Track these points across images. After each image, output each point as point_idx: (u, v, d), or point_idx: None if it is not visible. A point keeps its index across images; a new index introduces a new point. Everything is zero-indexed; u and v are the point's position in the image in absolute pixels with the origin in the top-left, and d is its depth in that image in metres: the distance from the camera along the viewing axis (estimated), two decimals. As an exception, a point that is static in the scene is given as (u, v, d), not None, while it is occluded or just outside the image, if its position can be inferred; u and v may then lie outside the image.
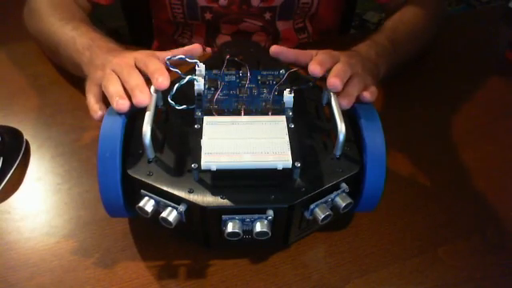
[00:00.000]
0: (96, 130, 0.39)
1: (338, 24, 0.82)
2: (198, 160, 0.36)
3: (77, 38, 0.52)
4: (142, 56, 0.44)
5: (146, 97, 0.40)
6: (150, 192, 0.38)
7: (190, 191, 0.37)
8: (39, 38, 0.60)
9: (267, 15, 0.70)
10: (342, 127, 0.38)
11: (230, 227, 0.36)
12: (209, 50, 0.75)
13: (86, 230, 0.45)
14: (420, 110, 0.61)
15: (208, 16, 0.70)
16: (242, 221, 0.37)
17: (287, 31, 0.74)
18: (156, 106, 0.41)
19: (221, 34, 0.73)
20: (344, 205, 0.39)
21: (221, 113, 0.41)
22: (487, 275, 0.43)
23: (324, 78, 0.43)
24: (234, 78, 0.45)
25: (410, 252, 0.45)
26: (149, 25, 0.84)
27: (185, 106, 0.42)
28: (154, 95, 0.41)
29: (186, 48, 0.47)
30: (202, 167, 0.36)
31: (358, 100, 0.44)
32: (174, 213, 0.37)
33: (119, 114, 0.40)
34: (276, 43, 0.75)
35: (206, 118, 0.40)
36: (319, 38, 0.79)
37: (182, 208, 0.37)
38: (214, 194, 0.37)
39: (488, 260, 0.44)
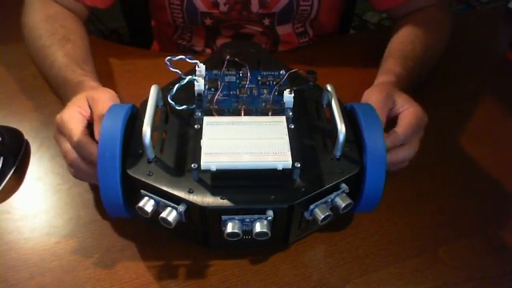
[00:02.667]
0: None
1: (338, 26, 0.82)
2: (197, 160, 0.36)
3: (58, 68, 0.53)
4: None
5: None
6: (150, 192, 0.38)
7: (190, 191, 0.37)
8: (31, 54, 0.60)
9: (266, 21, 0.70)
10: (342, 127, 0.38)
11: (230, 227, 0.36)
12: (208, 51, 0.76)
13: (86, 230, 0.45)
14: (420, 110, 0.61)
15: (208, 22, 0.70)
16: (242, 221, 0.37)
17: (287, 35, 0.74)
18: (156, 107, 0.41)
19: (221, 36, 0.73)
20: (344, 205, 0.39)
21: (221, 113, 0.41)
22: (487, 275, 0.43)
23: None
24: (234, 78, 0.45)
25: (410, 252, 0.45)
26: (148, 25, 0.84)
27: (185, 107, 0.42)
28: (155, 95, 0.41)
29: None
30: (202, 167, 0.36)
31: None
32: (174, 213, 0.37)
33: (119, 114, 0.40)
34: (276, 46, 0.75)
35: (206, 119, 0.40)
36: (319, 39, 0.78)
37: (181, 208, 0.36)
38: (213, 194, 0.37)
39: (488, 260, 0.44)
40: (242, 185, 0.37)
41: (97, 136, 0.41)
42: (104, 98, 0.43)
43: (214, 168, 0.36)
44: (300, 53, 0.73)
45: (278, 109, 0.42)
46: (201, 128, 0.39)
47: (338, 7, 0.77)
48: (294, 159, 0.36)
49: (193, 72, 0.44)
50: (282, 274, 0.42)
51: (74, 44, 0.56)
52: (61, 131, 0.43)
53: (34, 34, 0.58)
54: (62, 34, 0.57)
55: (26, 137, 0.54)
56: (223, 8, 0.67)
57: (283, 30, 0.73)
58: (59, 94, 0.54)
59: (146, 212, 0.37)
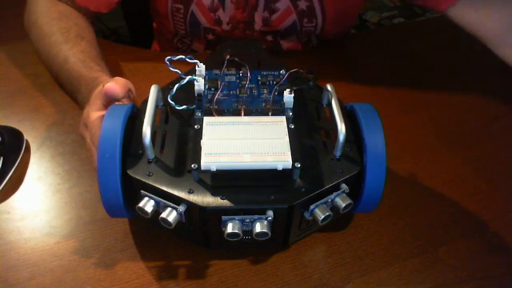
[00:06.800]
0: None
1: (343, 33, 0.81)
2: (197, 160, 0.36)
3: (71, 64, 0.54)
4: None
5: None
6: (150, 192, 0.38)
7: (190, 192, 0.37)
8: (39, 51, 0.60)
9: (269, 37, 0.70)
10: (342, 128, 0.38)
11: (230, 228, 0.36)
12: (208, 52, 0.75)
13: (86, 230, 0.45)
14: (420, 110, 0.61)
15: (210, 37, 0.70)
16: (242, 221, 0.37)
17: (291, 46, 0.73)
18: (156, 107, 0.41)
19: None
20: (344, 205, 0.39)
21: (221, 113, 0.41)
22: (487, 275, 0.43)
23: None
24: (234, 78, 0.45)
25: (410, 252, 0.45)
26: (148, 26, 0.84)
27: (185, 107, 0.42)
28: (155, 95, 0.41)
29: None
30: (202, 168, 0.36)
31: None
32: (174, 213, 0.37)
33: (119, 114, 0.40)
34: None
35: (206, 119, 0.40)
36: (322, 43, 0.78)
37: (181, 208, 0.36)
38: (213, 194, 0.37)
39: (488, 260, 0.44)
40: (242, 185, 0.37)
41: None
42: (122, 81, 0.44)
43: (214, 168, 0.36)
44: (300, 53, 0.73)
45: (278, 109, 0.42)
46: (201, 128, 0.39)
47: (344, 21, 0.76)
48: (294, 159, 0.36)
49: (193, 72, 0.44)
50: (282, 274, 0.42)
51: (88, 42, 0.57)
52: (86, 125, 0.44)
53: (44, 30, 0.58)
54: (77, 32, 0.57)
55: (26, 137, 0.54)
56: (226, 27, 0.67)
57: (287, 44, 0.73)
58: (71, 88, 0.55)
59: (146, 212, 0.37)
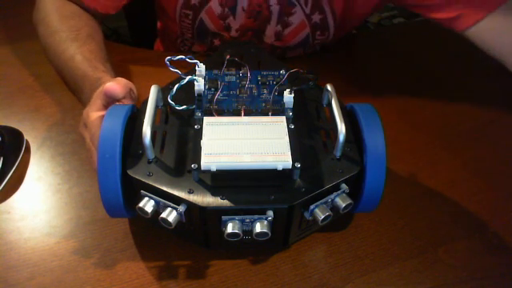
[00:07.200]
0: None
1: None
2: (197, 160, 0.36)
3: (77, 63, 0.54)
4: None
5: None
6: (150, 192, 0.38)
7: (190, 192, 0.37)
8: (46, 47, 0.60)
9: (278, 51, 0.70)
10: (342, 128, 0.38)
11: (230, 228, 0.36)
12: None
13: (86, 230, 0.45)
14: (420, 110, 0.61)
15: (217, 42, 0.70)
16: (242, 221, 0.37)
17: (295, 54, 0.73)
18: (156, 107, 0.41)
19: None
20: (344, 205, 0.39)
21: (221, 113, 0.41)
22: (487, 275, 0.43)
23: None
24: (234, 78, 0.45)
25: (410, 252, 0.45)
26: (150, 26, 0.84)
27: (185, 107, 0.42)
28: (155, 95, 0.41)
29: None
30: (202, 168, 0.36)
31: None
32: (174, 213, 0.37)
33: (119, 114, 0.40)
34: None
35: (206, 119, 0.40)
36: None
37: (181, 208, 0.36)
38: (213, 194, 0.37)
39: (488, 260, 0.44)
40: (242, 185, 0.37)
41: None
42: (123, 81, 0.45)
43: (214, 168, 0.36)
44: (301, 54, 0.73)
45: (278, 109, 0.42)
46: (201, 128, 0.39)
47: (349, 27, 0.76)
48: (294, 159, 0.36)
49: (193, 72, 0.44)
50: (282, 274, 0.42)
51: (97, 43, 0.57)
52: (86, 125, 0.44)
53: (53, 27, 0.58)
54: (88, 32, 0.58)
55: (26, 137, 0.54)
56: (234, 33, 0.67)
57: (292, 53, 0.72)
58: (75, 87, 0.55)
59: (146, 212, 0.37)
